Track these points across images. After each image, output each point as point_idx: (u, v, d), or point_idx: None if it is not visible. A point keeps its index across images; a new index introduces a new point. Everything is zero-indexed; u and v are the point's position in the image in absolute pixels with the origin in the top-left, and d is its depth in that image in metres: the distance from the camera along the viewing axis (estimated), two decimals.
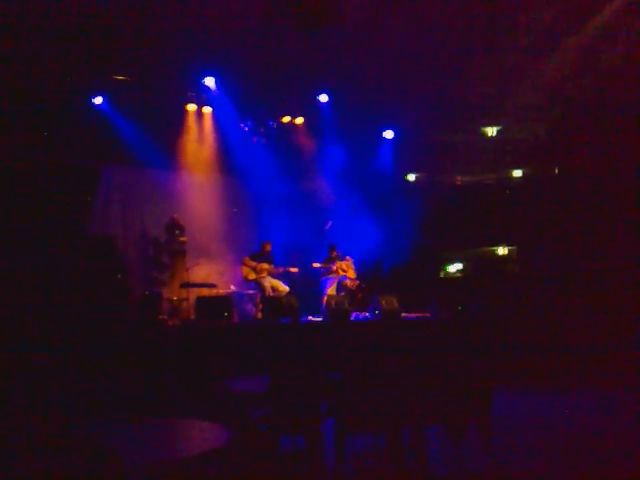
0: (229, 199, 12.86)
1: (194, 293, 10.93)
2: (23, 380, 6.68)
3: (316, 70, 11.42)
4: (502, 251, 14.36)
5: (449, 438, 5.27)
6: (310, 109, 12.83)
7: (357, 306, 11.45)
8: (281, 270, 11.61)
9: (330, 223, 12.68)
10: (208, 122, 12.63)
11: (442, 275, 14.47)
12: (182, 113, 12.30)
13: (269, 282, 11.36)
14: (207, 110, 12.50)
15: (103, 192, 11.54)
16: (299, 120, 13.08)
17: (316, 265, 11.87)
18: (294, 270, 11.77)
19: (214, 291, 11.36)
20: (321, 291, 11.83)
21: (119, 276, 10.04)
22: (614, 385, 9.80)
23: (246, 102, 12.23)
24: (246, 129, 12.54)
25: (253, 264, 11.40)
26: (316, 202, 13.07)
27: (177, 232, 11.59)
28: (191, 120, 12.45)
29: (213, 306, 10.03)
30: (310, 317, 10.92)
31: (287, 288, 11.39)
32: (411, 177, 14.48)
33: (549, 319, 11.11)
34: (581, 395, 9.62)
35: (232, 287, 11.70)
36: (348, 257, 12.15)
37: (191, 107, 12.32)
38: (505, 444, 6.42)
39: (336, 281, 11.92)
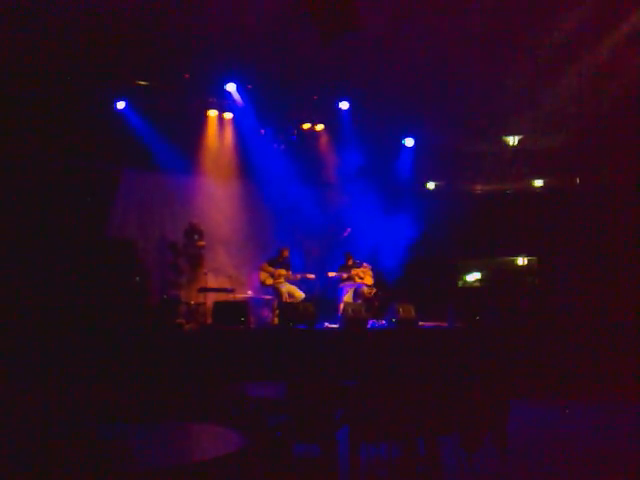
0: (248, 205, 12.90)
1: (211, 298, 10.98)
2: (39, 382, 6.73)
3: (337, 77, 11.43)
4: (522, 261, 14.26)
5: (464, 449, 5.23)
6: (331, 116, 12.84)
7: (374, 314, 11.42)
8: (298, 276, 11.62)
9: (349, 230, 12.67)
10: (229, 128, 12.70)
11: (460, 284, 14.40)
12: (203, 119, 12.38)
13: (286, 288, 11.37)
14: (228, 116, 12.56)
15: (123, 196, 11.63)
16: (319, 127, 13.10)
17: (332, 274, 11.86)
18: (311, 277, 11.78)
19: (231, 296, 11.39)
20: (338, 298, 11.81)
21: (137, 279, 10.11)
22: (635, 398, 9.67)
23: (267, 108, 12.27)
24: (262, 132, 12.55)
25: (271, 270, 11.43)
26: (335, 209, 13.08)
27: (196, 237, 11.64)
28: (212, 126, 12.52)
29: (230, 311, 10.07)
30: (326, 324, 10.91)
31: (303, 294, 11.39)
32: (431, 185, 14.44)
33: (568, 331, 11.00)
34: (601, 408, 9.51)
35: (249, 292, 11.73)
36: (365, 264, 12.12)
37: (212, 113, 12.39)
38: (520, 456, 6.36)
39: (353, 288, 11.90)
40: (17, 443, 3.23)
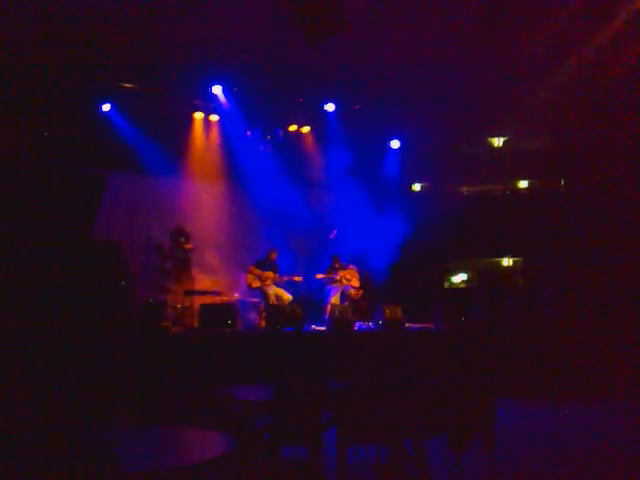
0: (235, 207, 12.88)
1: (198, 301, 10.94)
2: (26, 386, 6.69)
3: (323, 79, 11.44)
4: (507, 262, 14.34)
5: (451, 450, 5.25)
6: (317, 118, 12.84)
7: (361, 315, 11.44)
8: (285, 279, 11.62)
9: (335, 232, 12.68)
10: (215, 130, 12.68)
11: (446, 285, 14.45)
12: (189, 121, 12.35)
13: (273, 290, 11.36)
14: (214, 118, 12.54)
15: (109, 198, 11.56)
16: (305, 129, 13.10)
17: (319, 276, 11.88)
18: (298, 279, 11.78)
19: (218, 299, 11.37)
20: (325, 300, 11.82)
21: (123, 283, 10.05)
22: (620, 397, 9.76)
23: (253, 110, 12.26)
24: (249, 133, 12.55)
25: (258, 272, 11.42)
26: (322, 211, 13.08)
27: (182, 239, 11.61)
28: (198, 128, 12.49)
29: (217, 314, 10.05)
30: (314, 326, 10.91)
31: (290, 297, 11.39)
32: (417, 187, 14.49)
33: (553, 331, 11.08)
34: (586, 408, 9.58)
35: (236, 295, 11.71)
36: (352, 266, 12.14)
37: (198, 115, 12.36)
38: (508, 456, 6.40)
39: (340, 290, 11.92)
40: (6, 449, 3.21)
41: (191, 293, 11.18)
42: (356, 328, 10.65)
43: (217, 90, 11.86)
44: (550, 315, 11.67)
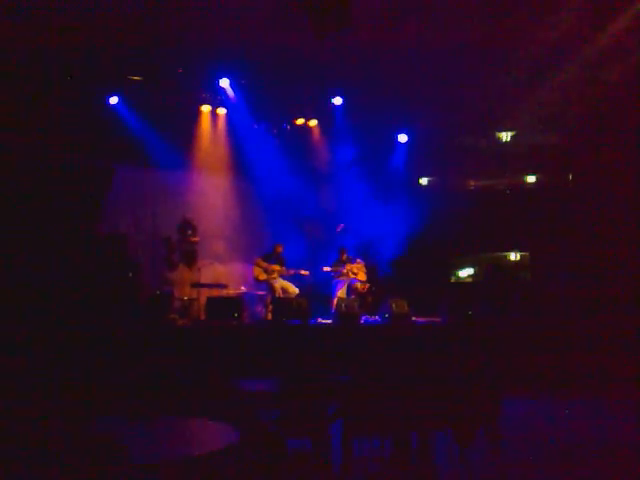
0: (241, 200, 12.90)
1: (205, 293, 10.97)
2: (33, 378, 6.73)
3: (330, 73, 11.43)
4: (514, 257, 14.31)
5: (457, 443, 5.25)
6: (324, 112, 12.84)
7: (367, 309, 11.44)
8: (292, 272, 11.63)
9: (342, 226, 12.67)
10: (222, 123, 12.68)
11: (453, 280, 14.43)
12: (196, 114, 12.36)
13: (279, 283, 11.37)
14: (221, 111, 12.54)
15: (116, 191, 11.59)
16: (313, 122, 13.10)
17: (326, 269, 11.88)
18: (305, 273, 11.77)
19: (225, 291, 11.40)
20: (331, 294, 11.83)
21: (130, 275, 10.10)
22: (628, 393, 9.72)
23: (260, 104, 12.27)
24: (256, 126, 12.56)
25: (265, 265, 11.42)
26: (328, 204, 13.08)
27: (189, 232, 11.63)
28: (205, 121, 12.50)
29: (223, 306, 10.07)
30: (320, 319, 10.92)
31: (297, 290, 11.40)
32: (424, 181, 14.46)
33: (560, 326, 11.05)
34: (592, 402, 9.56)
35: (243, 288, 11.73)
36: (359, 260, 12.14)
37: (205, 108, 12.38)
38: (513, 450, 6.39)
39: (346, 284, 11.92)
40: (13, 437, 3.23)
41: (198, 286, 11.20)
42: (362, 322, 10.66)
43: (224, 83, 11.87)
44: (557, 310, 11.63)
